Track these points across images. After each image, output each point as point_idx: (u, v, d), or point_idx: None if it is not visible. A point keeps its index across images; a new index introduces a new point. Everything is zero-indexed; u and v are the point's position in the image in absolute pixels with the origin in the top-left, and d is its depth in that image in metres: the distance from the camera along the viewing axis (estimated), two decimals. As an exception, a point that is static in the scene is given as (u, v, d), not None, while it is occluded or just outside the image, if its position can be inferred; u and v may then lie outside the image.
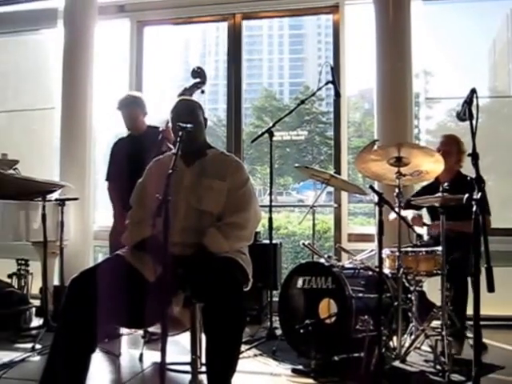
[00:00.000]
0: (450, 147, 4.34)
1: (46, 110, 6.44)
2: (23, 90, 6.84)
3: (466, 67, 5.55)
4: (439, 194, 3.58)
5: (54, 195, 4.88)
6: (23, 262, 5.22)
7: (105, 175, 4.67)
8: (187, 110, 3.01)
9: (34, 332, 4.44)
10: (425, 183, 4.44)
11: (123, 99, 4.56)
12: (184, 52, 8.24)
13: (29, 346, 4.06)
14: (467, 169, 4.22)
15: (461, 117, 2.82)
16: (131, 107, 4.50)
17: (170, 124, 4.16)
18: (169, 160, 2.71)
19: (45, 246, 4.51)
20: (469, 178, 3.99)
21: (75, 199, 4.67)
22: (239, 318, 2.61)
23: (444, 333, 3.45)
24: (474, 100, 2.75)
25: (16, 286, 5.12)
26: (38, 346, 4.00)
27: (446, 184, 3.65)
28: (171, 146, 4.20)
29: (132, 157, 4.19)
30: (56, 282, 5.10)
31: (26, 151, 5.98)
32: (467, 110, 2.75)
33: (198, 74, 4.12)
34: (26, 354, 3.87)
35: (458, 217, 3.67)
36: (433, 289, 4.16)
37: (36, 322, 4.83)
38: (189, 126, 2.75)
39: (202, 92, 4.09)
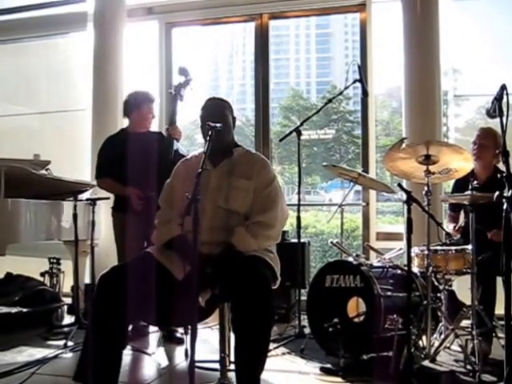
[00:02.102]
0: (486, 141, 4.14)
1: (77, 112, 6.53)
2: (54, 92, 6.94)
3: (496, 64, 5.47)
4: (468, 192, 3.55)
5: (85, 195, 4.95)
6: (55, 260, 5.32)
7: (96, 173, 4.53)
8: (217, 109, 3.02)
9: (65, 329, 4.52)
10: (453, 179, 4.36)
11: (150, 93, 4.59)
12: (212, 52, 8.28)
13: (61, 342, 4.14)
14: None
15: (491, 114, 2.79)
16: (153, 103, 4.54)
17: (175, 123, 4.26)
18: (195, 160, 2.75)
19: (76, 244, 4.59)
20: (499, 176, 3.94)
21: (106, 199, 4.71)
22: (267, 316, 2.62)
23: (474, 332, 3.42)
24: (505, 97, 2.73)
25: (48, 284, 5.23)
26: (69, 343, 4.07)
27: (475, 182, 3.61)
28: (181, 147, 4.26)
29: (134, 153, 4.15)
30: (87, 280, 5.16)
31: (58, 152, 6.06)
32: (497, 107, 2.72)
33: (183, 71, 4.21)
34: (59, 350, 3.94)
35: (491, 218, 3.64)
36: (461, 288, 4.13)
37: (68, 319, 4.90)
38: (218, 125, 2.77)
39: (191, 89, 4.14)
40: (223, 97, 3.22)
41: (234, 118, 3.13)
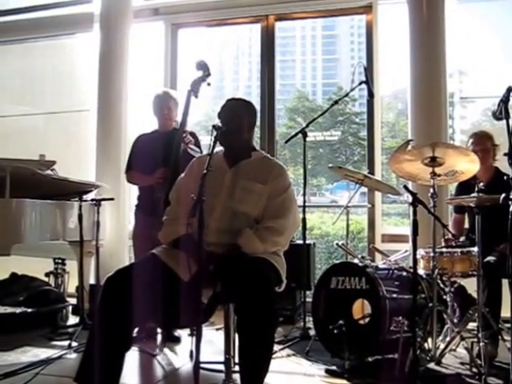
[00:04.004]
0: (485, 145, 4.20)
1: (82, 112, 6.55)
2: (60, 93, 6.96)
3: (502, 66, 5.46)
4: (475, 195, 3.53)
5: (90, 195, 4.96)
6: (60, 260, 5.31)
7: (126, 167, 4.63)
8: (230, 111, 3.01)
9: (70, 330, 4.50)
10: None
11: (165, 91, 4.63)
12: (218, 54, 8.28)
13: (65, 343, 4.12)
14: (505, 168, 4.17)
15: (497, 116, 2.79)
16: (170, 100, 4.53)
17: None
18: (213, 158, 2.71)
19: (81, 245, 4.59)
20: (505, 178, 3.93)
21: (111, 199, 4.73)
22: (271, 319, 2.61)
23: (480, 335, 3.41)
24: (511, 98, 2.72)
25: (53, 285, 5.22)
26: (74, 344, 4.06)
27: (481, 184, 3.59)
28: (194, 149, 4.26)
29: (159, 154, 4.23)
30: (92, 280, 5.16)
31: (63, 152, 6.08)
32: (503, 109, 2.72)
33: (202, 66, 4.14)
34: (63, 351, 3.93)
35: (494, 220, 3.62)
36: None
37: (72, 320, 4.90)
38: (223, 127, 2.77)
39: (208, 84, 4.12)
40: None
41: (252, 121, 3.12)
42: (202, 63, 4.15)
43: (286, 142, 4.71)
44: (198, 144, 4.34)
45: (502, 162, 4.18)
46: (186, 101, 4.22)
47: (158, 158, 4.19)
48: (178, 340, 4.28)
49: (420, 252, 3.81)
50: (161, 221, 3.11)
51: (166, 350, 4.05)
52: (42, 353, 3.91)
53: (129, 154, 4.63)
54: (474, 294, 3.63)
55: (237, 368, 2.73)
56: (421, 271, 3.84)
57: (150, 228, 3.87)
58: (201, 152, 4.23)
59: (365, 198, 5.80)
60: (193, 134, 4.32)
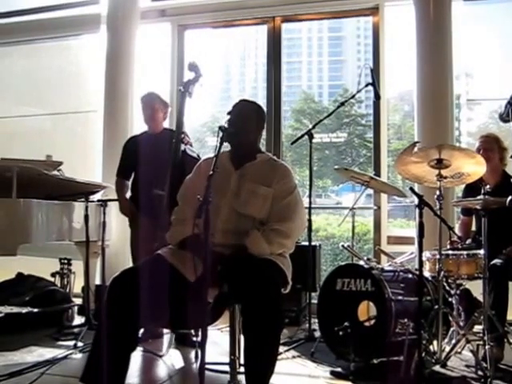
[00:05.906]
0: (490, 144, 4.18)
1: (89, 113, 6.57)
2: (66, 94, 6.97)
3: (508, 68, 5.45)
4: (481, 197, 3.52)
5: (97, 196, 4.97)
6: (66, 261, 5.32)
7: (116, 171, 4.74)
8: (239, 112, 3.01)
9: (76, 330, 4.51)
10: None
11: (149, 92, 4.65)
12: (224, 55, 8.28)
13: (71, 343, 4.13)
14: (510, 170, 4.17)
15: (503, 118, 2.79)
16: (155, 100, 4.57)
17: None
18: (219, 159, 2.71)
19: (87, 245, 4.60)
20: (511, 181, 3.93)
21: (117, 200, 4.73)
22: (277, 320, 2.62)
23: (486, 338, 3.40)
24: (518, 101, 2.71)
25: (59, 285, 5.23)
26: (79, 344, 4.07)
27: (488, 186, 3.58)
28: (192, 150, 4.26)
29: (147, 154, 4.26)
30: (98, 281, 5.18)
31: (70, 153, 6.09)
32: (510, 111, 2.72)
33: (193, 67, 4.13)
34: (68, 351, 3.93)
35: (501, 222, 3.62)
36: (473, 292, 4.10)
37: (78, 320, 4.91)
38: (229, 128, 2.78)
39: (201, 86, 4.14)
40: (234, 99, 3.19)
41: (261, 124, 3.12)
42: (194, 64, 4.16)
43: (292, 143, 4.71)
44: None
45: (508, 165, 4.18)
46: (180, 102, 4.22)
47: (147, 160, 4.21)
48: (195, 345, 4.11)
49: (426, 254, 3.80)
50: (164, 220, 3.11)
51: (171, 350, 4.05)
52: (47, 353, 3.92)
53: (120, 157, 4.69)
54: (480, 297, 3.62)
55: (242, 369, 2.73)
56: (426, 273, 3.84)
57: (154, 229, 3.88)
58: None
59: (371, 199, 5.79)
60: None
